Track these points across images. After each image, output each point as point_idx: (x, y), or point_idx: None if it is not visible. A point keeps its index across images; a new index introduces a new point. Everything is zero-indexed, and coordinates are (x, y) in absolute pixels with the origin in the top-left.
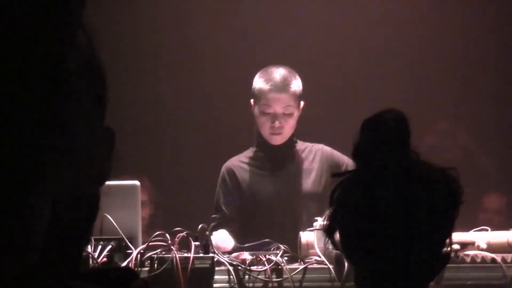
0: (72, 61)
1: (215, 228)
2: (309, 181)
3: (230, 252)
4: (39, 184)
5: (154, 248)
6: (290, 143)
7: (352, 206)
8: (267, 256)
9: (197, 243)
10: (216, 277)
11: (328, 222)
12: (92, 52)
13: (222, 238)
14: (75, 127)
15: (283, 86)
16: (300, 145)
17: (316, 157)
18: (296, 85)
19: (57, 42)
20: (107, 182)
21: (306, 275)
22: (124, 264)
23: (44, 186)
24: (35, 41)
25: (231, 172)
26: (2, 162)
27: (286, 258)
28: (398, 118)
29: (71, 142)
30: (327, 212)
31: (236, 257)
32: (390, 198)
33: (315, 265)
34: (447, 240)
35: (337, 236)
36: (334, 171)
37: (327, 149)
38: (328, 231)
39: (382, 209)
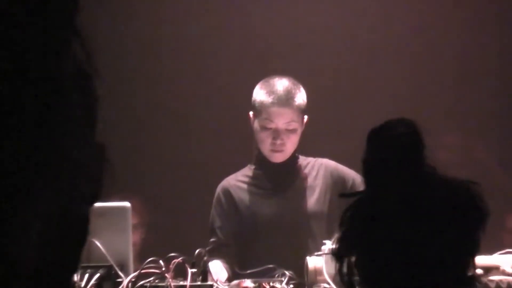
0: (65, 70)
1: (209, 255)
2: (313, 200)
3: (228, 281)
4: (28, 203)
5: (146, 276)
6: (291, 160)
7: (368, 230)
8: (271, 284)
9: (194, 270)
10: None
11: (338, 245)
12: (85, 60)
13: (214, 271)
14: (67, 140)
15: (287, 100)
16: (302, 160)
17: (319, 172)
18: (301, 98)
19: (52, 50)
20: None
21: None
22: None
23: (33, 206)
24: (28, 50)
25: (227, 193)
26: None
27: (292, 285)
28: (410, 130)
29: (63, 157)
30: (337, 235)
31: (237, 285)
32: (408, 221)
33: None
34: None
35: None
36: (339, 187)
37: (331, 163)
38: (337, 254)
39: (400, 233)
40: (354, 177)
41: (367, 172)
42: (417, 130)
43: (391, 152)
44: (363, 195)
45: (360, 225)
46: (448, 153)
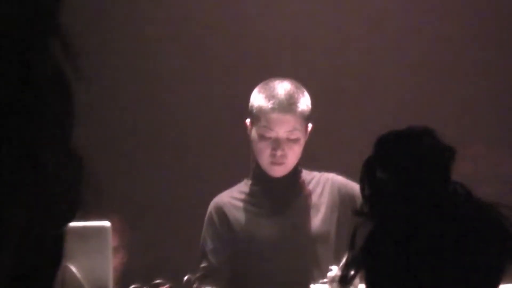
0: (42, 73)
1: (200, 283)
2: (318, 220)
3: None
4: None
5: None
6: (294, 174)
7: (381, 255)
8: None
9: None
10: None
11: (345, 271)
12: (66, 62)
13: None
14: (41, 151)
15: (289, 105)
16: (306, 174)
17: (325, 189)
18: (304, 103)
19: (28, 52)
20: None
21: None
22: None
23: (2, 225)
24: (1, 51)
25: (220, 211)
26: None
27: None
28: (437, 141)
29: (37, 170)
30: (346, 259)
31: None
32: (428, 248)
33: None
34: None
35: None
36: (348, 206)
37: (339, 178)
38: (343, 281)
39: (419, 260)
40: None
41: (375, 187)
42: (445, 143)
43: (413, 166)
44: (375, 215)
45: (372, 249)
46: (470, 166)
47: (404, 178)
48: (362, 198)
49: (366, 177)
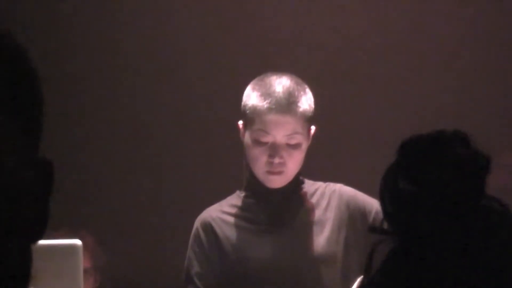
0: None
1: None
2: (323, 238)
3: None
4: None
5: None
6: (294, 185)
7: (403, 281)
8: None
9: None
10: None
11: None
12: (21, 54)
13: None
14: (6, 159)
15: (288, 104)
16: (309, 185)
17: (331, 202)
18: (307, 103)
19: None
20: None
21: None
22: None
23: None
24: None
25: (208, 228)
26: None
27: None
28: (470, 148)
29: (1, 180)
30: (361, 283)
31: None
32: (461, 271)
33: None
34: None
35: None
36: (357, 222)
37: (347, 190)
38: None
39: (449, 286)
40: (379, 209)
41: (398, 201)
42: (479, 150)
43: (441, 177)
44: (397, 232)
45: (393, 272)
46: (506, 176)
47: (431, 190)
48: (383, 213)
49: (387, 189)
